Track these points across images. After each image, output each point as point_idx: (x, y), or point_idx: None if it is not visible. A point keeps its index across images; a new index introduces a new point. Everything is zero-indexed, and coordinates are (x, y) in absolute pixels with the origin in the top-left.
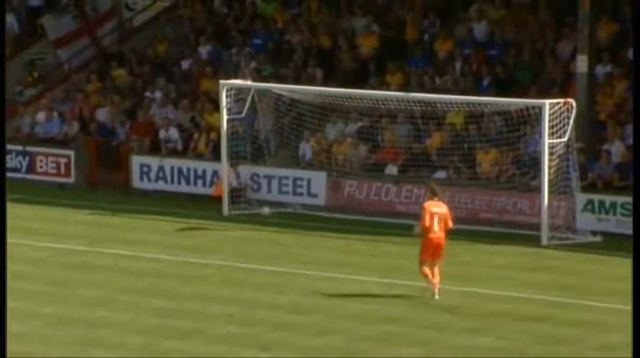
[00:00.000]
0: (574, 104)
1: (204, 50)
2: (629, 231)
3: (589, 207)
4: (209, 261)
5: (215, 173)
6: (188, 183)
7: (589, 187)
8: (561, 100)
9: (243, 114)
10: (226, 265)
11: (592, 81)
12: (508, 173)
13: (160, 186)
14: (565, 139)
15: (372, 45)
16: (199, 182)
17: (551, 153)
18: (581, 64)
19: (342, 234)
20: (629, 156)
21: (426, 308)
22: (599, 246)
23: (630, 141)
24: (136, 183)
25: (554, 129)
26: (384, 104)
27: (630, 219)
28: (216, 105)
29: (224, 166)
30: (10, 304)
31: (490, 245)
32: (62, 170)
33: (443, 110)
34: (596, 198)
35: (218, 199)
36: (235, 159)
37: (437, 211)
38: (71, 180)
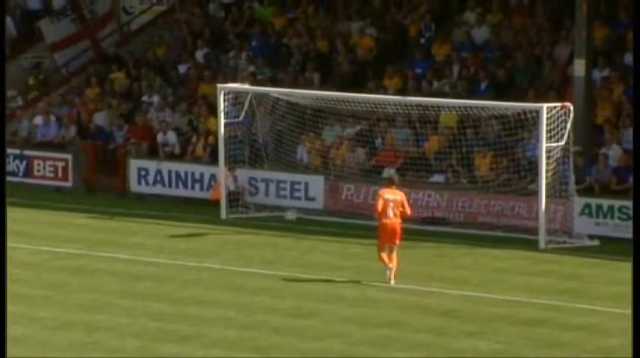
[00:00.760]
0: (571, 108)
1: (201, 54)
2: (627, 234)
3: (586, 210)
4: (207, 264)
5: (213, 177)
6: (186, 186)
7: (586, 191)
8: (559, 104)
9: (241, 118)
10: (224, 269)
11: (589, 85)
12: (505, 177)
13: (158, 189)
14: (562, 143)
15: (370, 48)
16: (197, 186)
17: (548, 157)
18: (579, 67)
19: (340, 238)
20: (626, 160)
21: (424, 312)
22: (596, 249)
23: (627, 145)
24: (134, 186)
25: (552, 133)
26: (381, 108)
27: (628, 223)
28: (213, 109)
29: (222, 170)
30: (7, 308)
31: (488, 248)
32: (60, 174)
33: (440, 114)
34: (594, 201)
35: (216, 203)
36: (233, 163)
37: (390, 198)
38: (69, 183)
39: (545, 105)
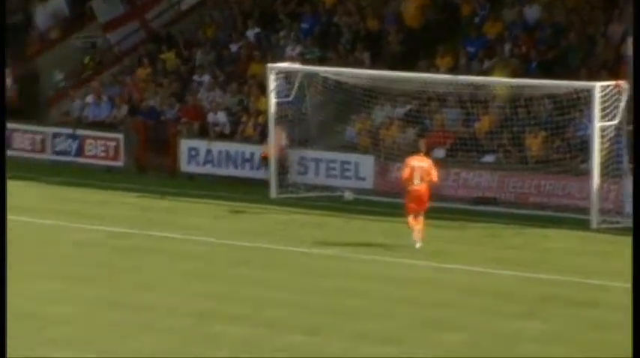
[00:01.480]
0: (626, 86)
1: (251, 34)
2: None
3: None
4: (256, 244)
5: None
6: (236, 166)
7: None
8: (612, 83)
9: (291, 98)
10: (273, 248)
11: None
12: (557, 156)
13: (208, 169)
14: (616, 122)
15: (421, 27)
16: (247, 165)
17: (601, 136)
18: (632, 46)
19: (390, 218)
20: None
21: (474, 294)
22: None
23: None
24: (184, 166)
25: (605, 112)
26: (432, 87)
27: None
28: (264, 89)
29: (271, 144)
30: (57, 286)
31: (539, 229)
32: (111, 153)
33: (491, 93)
34: None
35: (265, 160)
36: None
37: (417, 165)
38: (120, 163)
39: (598, 84)
